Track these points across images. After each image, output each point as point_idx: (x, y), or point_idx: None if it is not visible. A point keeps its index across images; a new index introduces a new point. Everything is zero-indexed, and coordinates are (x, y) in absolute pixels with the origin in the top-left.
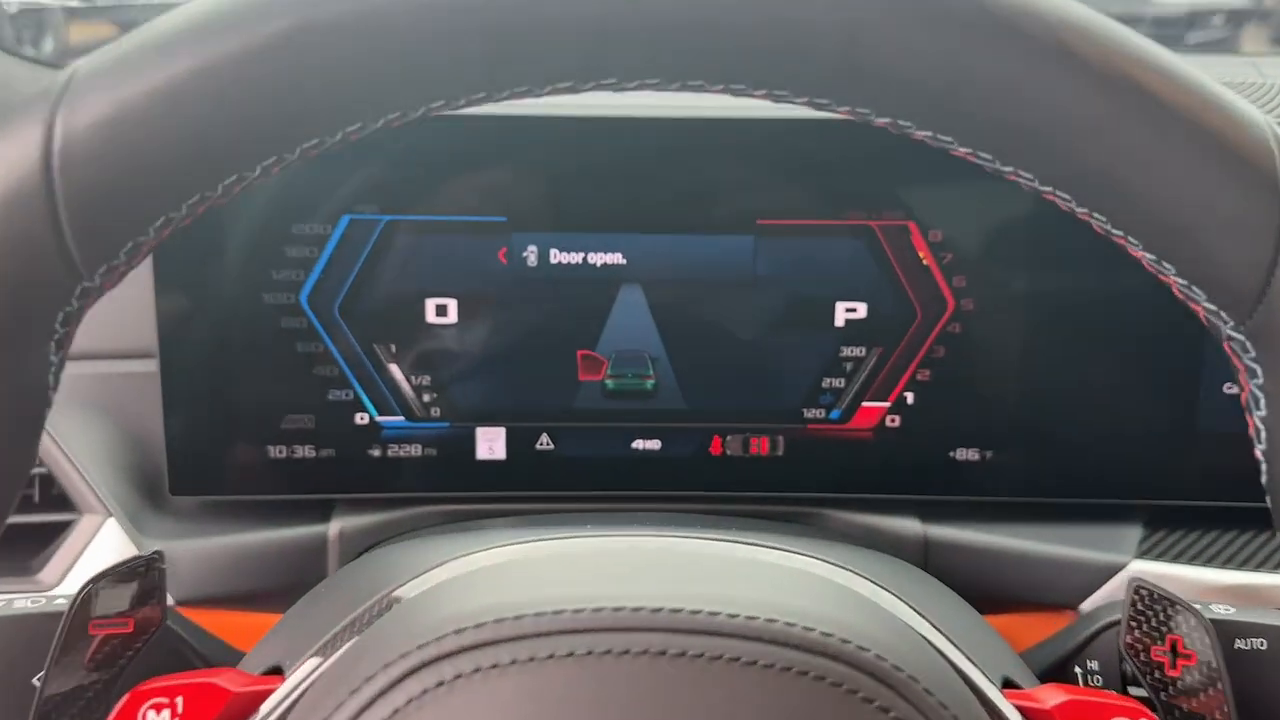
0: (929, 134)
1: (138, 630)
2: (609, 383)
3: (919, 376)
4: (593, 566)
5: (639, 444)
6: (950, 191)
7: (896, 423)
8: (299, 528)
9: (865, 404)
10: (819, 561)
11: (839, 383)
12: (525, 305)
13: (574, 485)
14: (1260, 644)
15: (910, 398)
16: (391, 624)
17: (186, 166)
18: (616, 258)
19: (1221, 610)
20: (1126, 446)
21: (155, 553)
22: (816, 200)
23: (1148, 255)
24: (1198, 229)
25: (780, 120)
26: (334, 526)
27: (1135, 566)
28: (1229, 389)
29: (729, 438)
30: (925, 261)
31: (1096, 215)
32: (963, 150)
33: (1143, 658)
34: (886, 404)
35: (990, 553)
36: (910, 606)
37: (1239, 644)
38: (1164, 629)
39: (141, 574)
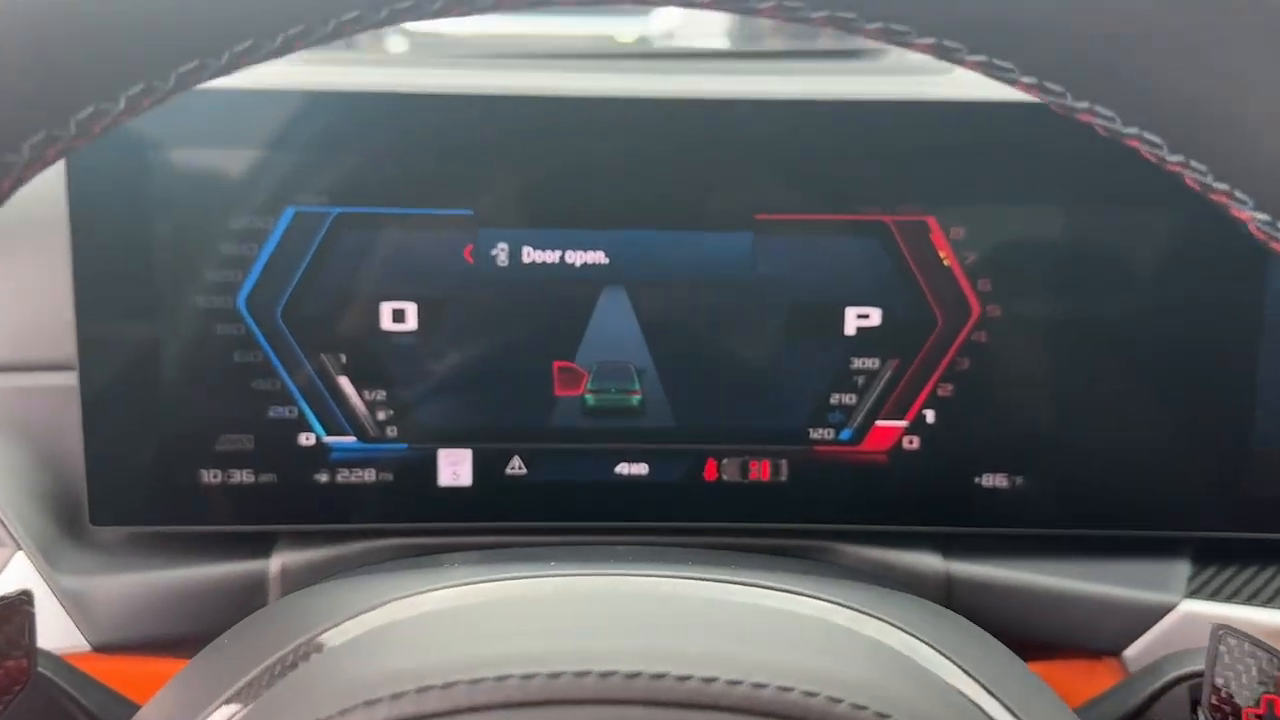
0: (982, 58)
1: None
2: (589, 398)
3: (940, 392)
4: (553, 614)
5: (623, 468)
6: (974, 183)
7: (915, 445)
8: (236, 563)
9: (879, 423)
10: (837, 606)
11: (849, 399)
12: (494, 310)
13: (549, 515)
14: None
15: (930, 416)
16: (315, 675)
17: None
18: (598, 257)
19: None
20: (1174, 472)
21: (21, 593)
22: (823, 193)
23: (1259, 215)
24: None
25: (783, 103)
26: (275, 562)
27: (1186, 607)
28: None
29: (725, 461)
30: (946, 262)
31: (1193, 163)
32: (1026, 81)
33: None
34: (903, 423)
35: (1020, 592)
36: (953, 662)
37: None
38: (1260, 686)
39: (3, 620)
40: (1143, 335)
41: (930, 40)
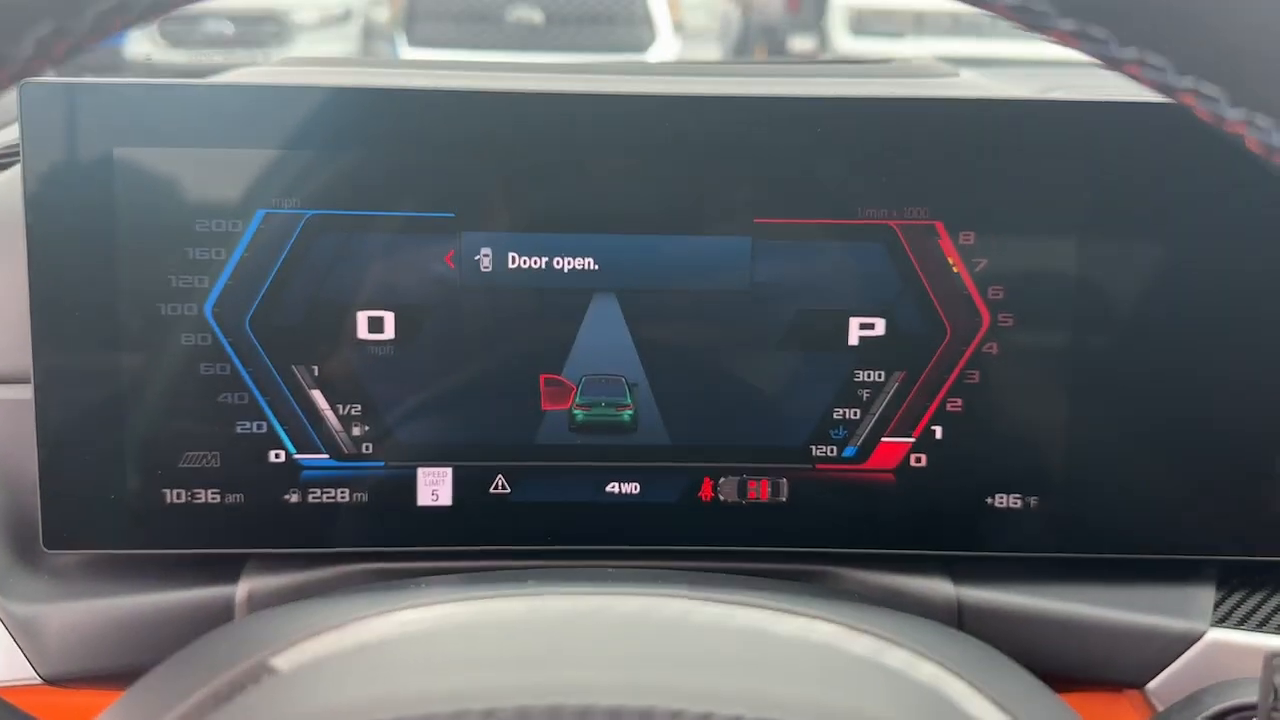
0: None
1: None
2: (578, 414)
3: (949, 407)
4: (524, 641)
5: (614, 487)
6: (984, 185)
7: (922, 462)
8: (200, 589)
9: (885, 440)
10: (854, 632)
11: (853, 414)
12: (477, 319)
13: (535, 538)
14: None
15: (939, 432)
16: (261, 703)
17: None
18: (587, 263)
19: None
20: (1197, 492)
21: None
22: (826, 195)
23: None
24: None
25: (783, 100)
26: (242, 588)
27: (1213, 636)
28: None
29: (722, 480)
30: (955, 268)
31: (1257, 117)
32: (1065, 25)
33: None
34: (910, 440)
35: (1035, 620)
36: (985, 696)
37: None
38: None
39: None
40: (1164, 347)
41: None
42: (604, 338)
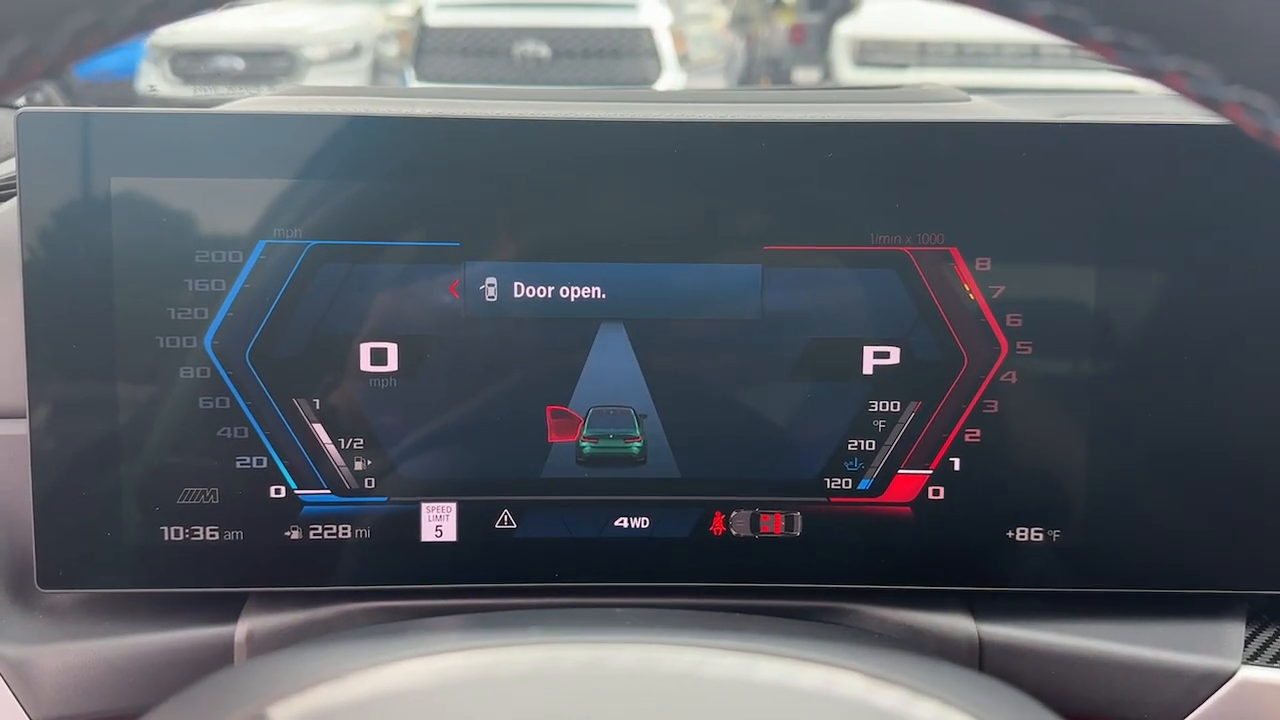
0: None
1: None
2: (585, 446)
3: (967, 438)
4: (529, 696)
5: (622, 522)
6: (1000, 210)
7: (940, 495)
8: (199, 628)
9: (901, 472)
10: (890, 685)
11: (868, 445)
12: (482, 350)
13: (542, 575)
14: None
15: (957, 464)
16: None
17: None
18: (594, 292)
19: None
20: (1225, 524)
21: None
22: (836, 221)
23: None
24: None
25: (791, 125)
26: (242, 627)
27: (1245, 674)
28: None
29: (734, 514)
30: (971, 295)
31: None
32: (1103, 35)
33: None
34: (928, 472)
35: (1059, 658)
36: None
37: None
38: None
39: None
40: (1186, 376)
41: None
42: (612, 368)
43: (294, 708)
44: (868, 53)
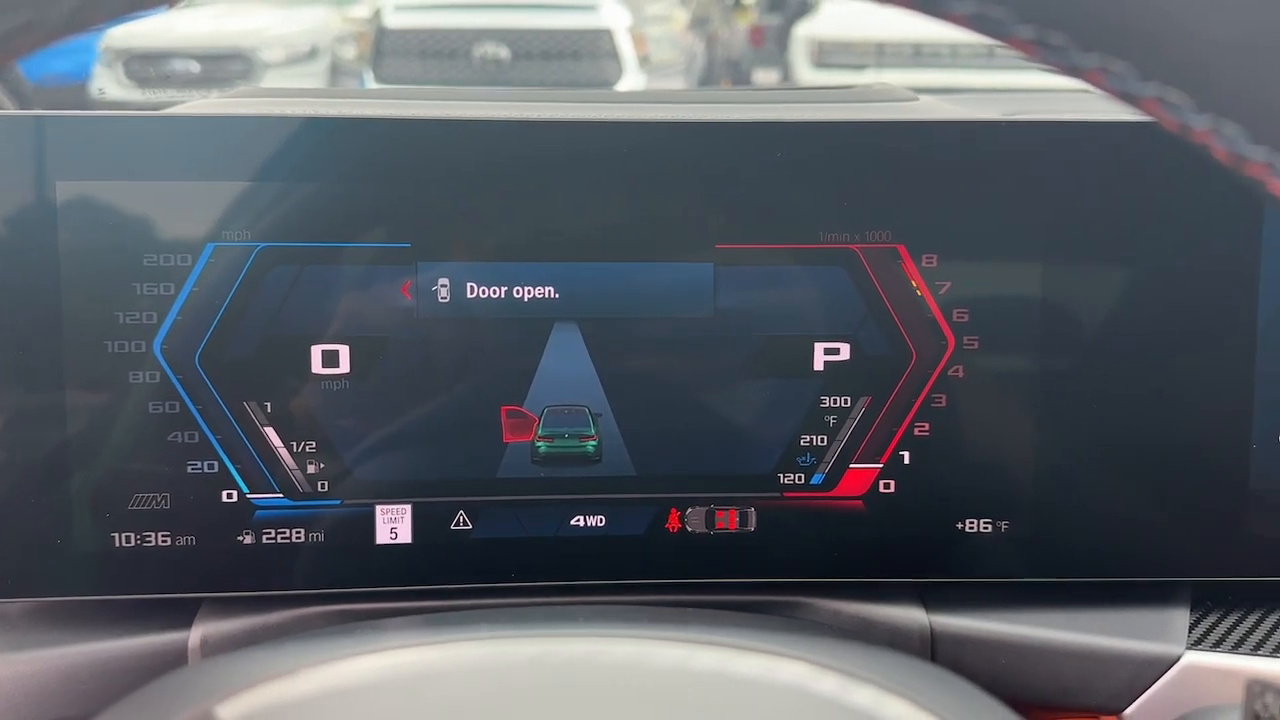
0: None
1: None
2: (541, 446)
3: (916, 431)
4: (472, 689)
5: (579, 521)
6: (946, 208)
7: (891, 488)
8: (152, 635)
9: (853, 466)
10: (829, 672)
11: (820, 440)
12: (435, 351)
13: (498, 575)
14: None
15: (906, 457)
16: None
17: None
18: (548, 292)
19: None
20: (1169, 513)
21: None
22: (786, 220)
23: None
24: None
25: (739, 125)
26: (196, 633)
27: (1189, 659)
28: None
29: (689, 511)
30: (919, 291)
31: (1224, 124)
32: (1023, 33)
33: None
34: (879, 466)
35: (1009, 646)
36: None
37: None
38: None
39: None
40: (1131, 368)
41: None
42: (566, 368)
43: (242, 705)
44: (826, 54)
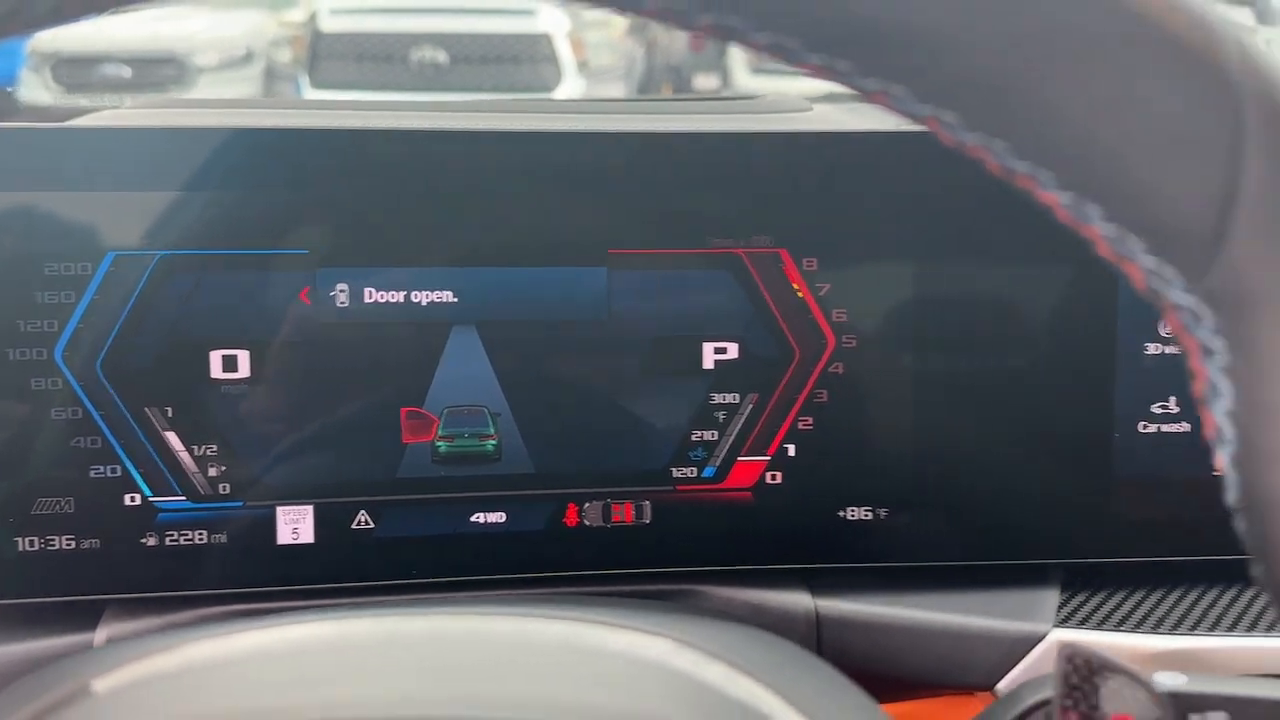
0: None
1: None
2: (441, 445)
3: (800, 426)
4: (318, 661)
5: (479, 518)
6: (824, 215)
7: (778, 480)
8: (57, 638)
9: (741, 459)
10: (656, 639)
11: (711, 435)
12: (335, 355)
13: (401, 572)
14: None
15: (792, 450)
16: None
17: None
18: (446, 296)
19: (1171, 680)
20: (1039, 499)
21: None
22: (676, 226)
23: (1063, 195)
24: (1129, 147)
25: (633, 135)
26: (101, 634)
27: (1056, 636)
28: (1145, 428)
29: (587, 506)
30: (800, 293)
31: (992, 140)
32: (815, 60)
33: None
34: (766, 458)
35: (891, 628)
36: (776, 694)
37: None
38: (1110, 706)
39: None
40: (1001, 364)
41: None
42: (465, 369)
43: (117, 678)
44: (763, 60)
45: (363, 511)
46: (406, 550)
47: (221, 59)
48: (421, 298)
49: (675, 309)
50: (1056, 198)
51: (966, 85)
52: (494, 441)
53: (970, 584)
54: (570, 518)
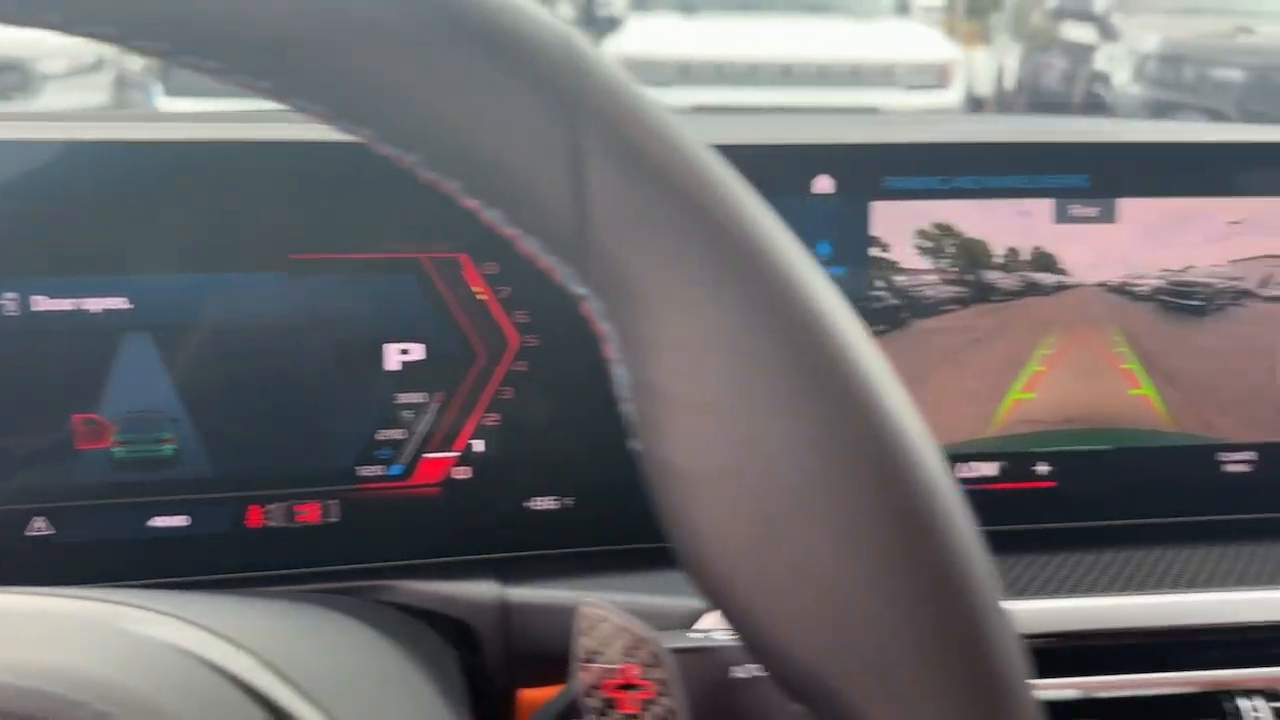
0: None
1: None
2: (118, 450)
3: (487, 422)
4: None
5: (159, 521)
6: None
7: (468, 474)
8: None
9: (428, 456)
10: (130, 609)
11: (398, 434)
12: (3, 364)
13: (82, 577)
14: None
15: (480, 446)
16: None
17: None
18: (119, 303)
19: (675, 639)
20: None
21: None
22: (357, 232)
23: (471, 201)
24: (489, 152)
25: (315, 143)
26: None
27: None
28: None
29: (270, 506)
30: (481, 296)
31: (402, 152)
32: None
33: (599, 696)
34: (454, 454)
35: (573, 610)
36: (260, 661)
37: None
38: (622, 659)
39: None
40: None
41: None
42: (140, 375)
43: None
44: (632, 71)
45: (40, 518)
46: (87, 555)
47: (69, 66)
48: (94, 306)
49: (359, 313)
50: (469, 200)
51: (355, 88)
52: (173, 446)
53: (647, 566)
54: (254, 519)
